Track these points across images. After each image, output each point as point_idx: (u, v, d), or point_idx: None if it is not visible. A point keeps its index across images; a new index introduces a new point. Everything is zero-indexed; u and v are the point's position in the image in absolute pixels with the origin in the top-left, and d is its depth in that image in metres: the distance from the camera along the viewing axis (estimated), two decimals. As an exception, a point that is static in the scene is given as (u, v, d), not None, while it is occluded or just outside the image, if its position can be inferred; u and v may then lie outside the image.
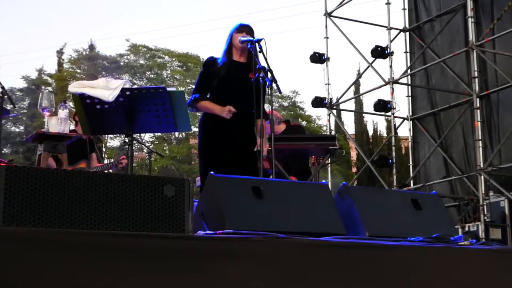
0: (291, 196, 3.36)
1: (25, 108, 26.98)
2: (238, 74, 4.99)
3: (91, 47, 28.77)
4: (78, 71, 27.84)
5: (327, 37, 13.43)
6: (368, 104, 30.25)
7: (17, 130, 27.67)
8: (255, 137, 4.97)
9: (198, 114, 5.82)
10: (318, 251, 2.70)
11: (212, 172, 3.31)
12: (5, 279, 2.05)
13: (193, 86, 5.24)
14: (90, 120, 4.32)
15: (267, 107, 5.12)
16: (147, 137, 26.04)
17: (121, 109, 4.21)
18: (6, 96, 5.74)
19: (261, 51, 4.74)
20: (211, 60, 5.08)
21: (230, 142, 4.93)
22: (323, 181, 4.01)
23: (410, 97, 13.57)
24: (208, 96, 5.06)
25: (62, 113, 4.51)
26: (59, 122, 4.44)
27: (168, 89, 4.28)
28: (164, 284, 2.28)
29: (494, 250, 3.15)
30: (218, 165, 4.43)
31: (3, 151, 25.52)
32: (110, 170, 7.12)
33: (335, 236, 3.00)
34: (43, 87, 25.12)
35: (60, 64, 28.75)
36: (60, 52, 28.93)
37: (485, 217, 10.11)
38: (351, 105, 23.01)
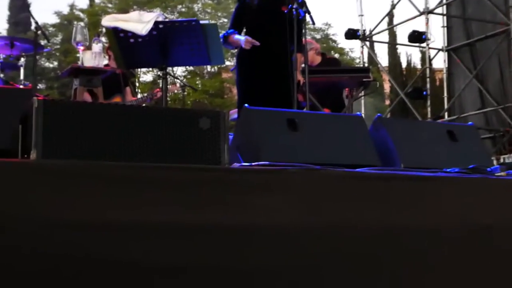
0: (326, 128, 3.36)
1: (58, 44, 27.04)
2: (270, 7, 4.94)
3: (122, -19, 28.54)
4: (110, 5, 27.70)
5: (360, -33, 13.17)
6: (402, 36, 29.83)
7: (51, 65, 27.79)
8: (290, 69, 4.95)
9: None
10: (354, 183, 2.70)
11: (246, 105, 3.31)
12: (44, 208, 2.09)
13: (224, 20, 5.23)
14: (124, 54, 4.33)
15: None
16: (179, 71, 26.03)
17: (155, 42, 4.21)
18: (40, 32, 5.76)
19: (294, -19, 4.68)
20: None
21: (265, 76, 4.94)
22: (358, 113, 3.99)
23: (445, 28, 13.32)
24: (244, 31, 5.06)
25: (96, 47, 4.52)
26: (93, 56, 4.46)
27: (201, 22, 4.26)
28: (200, 215, 2.31)
29: (532, 181, 3.12)
30: (254, 98, 4.44)
31: (38, 87, 25.75)
32: (145, 104, 7.16)
33: (370, 168, 3.00)
34: (75, 22, 25.10)
35: (91, -2, 28.63)
36: (91, -13, 28.78)
37: (521, 149, 10.04)
38: (384, 36, 22.76)
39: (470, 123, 4.08)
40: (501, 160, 10.02)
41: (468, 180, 2.98)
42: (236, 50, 5.31)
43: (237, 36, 4.95)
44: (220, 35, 4.97)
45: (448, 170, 3.16)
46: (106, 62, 6.55)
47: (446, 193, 2.84)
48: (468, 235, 2.80)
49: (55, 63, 27.57)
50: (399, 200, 2.73)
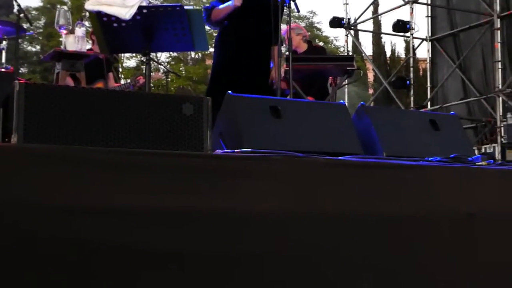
0: (309, 115, 3.35)
1: (41, 28, 26.82)
2: None
3: (106, -35, 28.26)
4: (93, -10, 27.48)
5: (346, -44, 13.16)
6: (386, 25, 29.90)
7: (34, 49, 27.59)
8: (270, 58, 4.95)
9: (214, 34, 5.77)
10: (336, 171, 2.71)
11: (230, 91, 3.30)
12: (25, 193, 2.08)
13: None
14: (107, 39, 4.30)
15: (284, 27, 5.08)
16: (163, 57, 25.94)
17: (139, 27, 4.18)
18: (22, 15, 5.70)
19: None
20: None
21: (246, 61, 4.91)
22: (341, 101, 3.99)
23: (429, 18, 13.36)
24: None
25: (79, 31, 4.49)
26: (76, 40, 4.42)
27: (186, 7, 4.23)
28: (183, 201, 2.31)
29: (512, 171, 3.15)
30: (232, 85, 4.40)
31: (20, 71, 25.56)
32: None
33: (353, 156, 3.01)
34: (58, 6, 24.89)
35: (75, -18, 28.39)
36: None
37: (502, 139, 10.11)
38: (369, 25, 22.82)
39: (452, 112, 4.10)
40: (483, 150, 10.10)
41: (449, 169, 2.99)
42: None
43: (222, 5, 4.91)
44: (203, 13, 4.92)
45: (430, 159, 3.17)
46: (89, 46, 6.51)
47: (427, 181, 2.86)
48: (449, 224, 2.82)
49: (38, 47, 27.37)
50: (381, 188, 2.74)
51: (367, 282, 2.63)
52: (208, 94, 4.94)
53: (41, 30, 26.60)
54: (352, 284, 2.60)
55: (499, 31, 10.82)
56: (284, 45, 5.16)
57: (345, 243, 2.60)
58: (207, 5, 5.04)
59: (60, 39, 4.51)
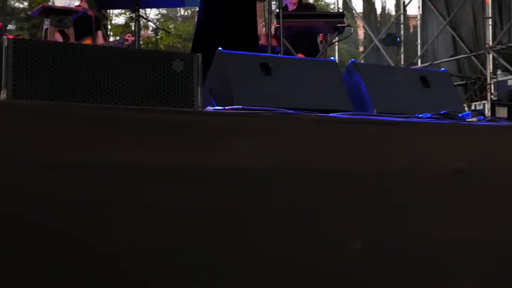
0: (299, 72, 3.34)
1: (28, -16, 26.46)
2: None
3: None
4: None
5: None
6: (377, -19, 29.68)
7: (21, 6, 27.23)
8: (255, 13, 4.89)
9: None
10: (327, 127, 2.71)
11: (220, 48, 3.27)
12: (14, 149, 2.07)
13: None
14: (95, -6, 4.25)
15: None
16: (152, 15, 25.69)
17: (127, -17, 4.13)
18: (9, -30, 5.61)
19: None
20: None
21: (229, 18, 4.86)
22: (332, 58, 3.98)
23: (420, -26, 13.27)
24: None
25: (68, -13, 4.44)
26: (64, -4, 4.38)
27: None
28: (172, 158, 2.31)
29: (502, 127, 3.15)
30: (215, 41, 4.36)
31: (8, 28, 25.24)
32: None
33: (343, 113, 3.01)
34: (45, -38, 24.52)
35: None
36: None
37: (492, 96, 10.13)
38: (360, -18, 22.60)
39: (443, 69, 4.09)
40: (472, 107, 10.12)
41: (440, 125, 3.00)
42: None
43: None
44: None
45: (420, 115, 3.17)
46: (77, 3, 6.44)
47: (417, 138, 2.87)
48: (439, 179, 2.84)
49: (26, 3, 26.99)
50: (371, 145, 2.75)
51: (360, 240, 2.64)
52: (192, 51, 4.91)
53: (28, -14, 26.23)
54: (344, 242, 2.62)
55: (489, -13, 10.76)
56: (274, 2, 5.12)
57: (336, 199, 2.62)
58: None
59: (49, -6, 4.46)
